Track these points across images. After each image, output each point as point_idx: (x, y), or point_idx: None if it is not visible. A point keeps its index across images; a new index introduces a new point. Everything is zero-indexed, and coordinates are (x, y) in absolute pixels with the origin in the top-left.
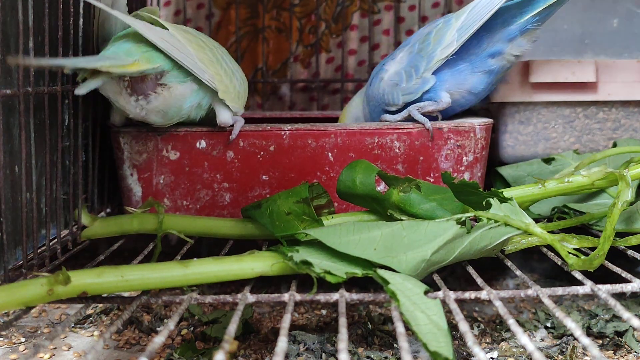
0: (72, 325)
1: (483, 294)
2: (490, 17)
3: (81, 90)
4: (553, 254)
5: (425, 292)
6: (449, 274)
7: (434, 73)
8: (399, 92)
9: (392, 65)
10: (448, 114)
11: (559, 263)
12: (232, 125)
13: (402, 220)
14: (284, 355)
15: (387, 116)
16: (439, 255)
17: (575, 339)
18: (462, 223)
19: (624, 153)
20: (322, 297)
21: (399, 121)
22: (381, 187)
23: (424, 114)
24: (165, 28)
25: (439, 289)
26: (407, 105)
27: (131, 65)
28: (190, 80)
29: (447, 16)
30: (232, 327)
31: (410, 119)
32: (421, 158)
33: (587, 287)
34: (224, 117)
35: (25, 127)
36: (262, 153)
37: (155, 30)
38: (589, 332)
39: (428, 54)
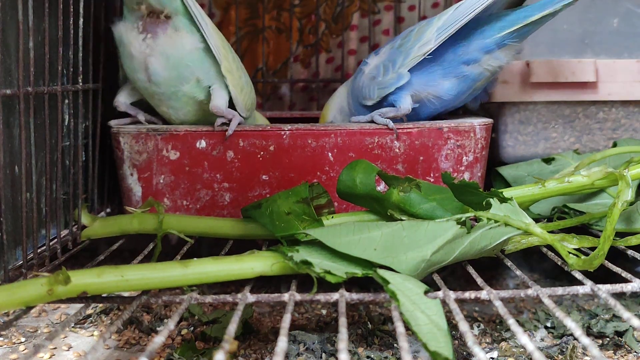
0: (72, 325)
1: (483, 294)
2: (469, 26)
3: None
4: (553, 254)
5: (425, 292)
6: (449, 274)
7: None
8: (375, 86)
9: (374, 60)
10: (420, 118)
11: (559, 263)
12: (228, 122)
13: (402, 220)
14: (284, 355)
15: (355, 117)
16: (439, 256)
17: (575, 339)
18: (462, 223)
19: (624, 153)
20: (322, 297)
21: (363, 122)
22: (381, 187)
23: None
24: None
25: (439, 289)
26: (382, 100)
27: None
28: (198, 38)
29: (434, 16)
30: (232, 327)
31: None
32: (421, 158)
33: (587, 287)
34: (218, 100)
35: (25, 127)
36: (262, 153)
37: None
38: (589, 332)
39: (407, 49)
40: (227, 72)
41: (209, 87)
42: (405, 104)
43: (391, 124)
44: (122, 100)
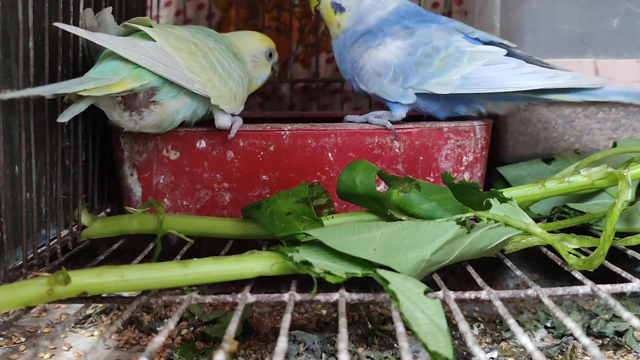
0: (72, 325)
1: (483, 294)
2: None
3: (64, 117)
4: (553, 254)
5: (425, 292)
6: (449, 274)
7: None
8: (376, 83)
9: (386, 49)
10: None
11: (559, 263)
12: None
13: (402, 220)
14: (284, 355)
15: (350, 117)
16: (439, 256)
17: (575, 339)
18: (462, 223)
19: (624, 153)
20: (322, 297)
21: (358, 122)
22: (381, 187)
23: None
24: (153, 40)
25: (439, 289)
26: (375, 95)
27: (117, 84)
28: (183, 93)
29: (462, 41)
30: (232, 327)
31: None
32: (421, 158)
33: (587, 287)
34: (222, 120)
35: (25, 127)
36: (262, 153)
37: (139, 47)
38: (589, 332)
39: (424, 75)
40: (217, 99)
41: (207, 109)
42: (401, 114)
43: (389, 125)
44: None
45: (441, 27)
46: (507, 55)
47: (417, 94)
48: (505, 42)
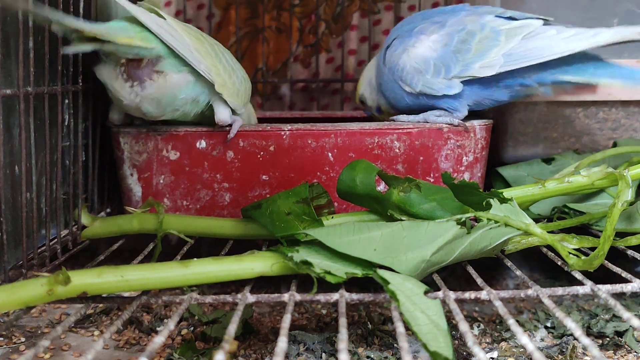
0: (72, 325)
1: (483, 294)
2: None
3: (69, 49)
4: (553, 254)
5: (425, 292)
6: (449, 274)
7: (465, 83)
8: (419, 80)
9: (422, 45)
10: None
11: (559, 263)
12: (230, 125)
13: (402, 220)
14: (284, 355)
15: (402, 117)
16: (439, 256)
17: (575, 339)
18: (462, 223)
19: (624, 153)
20: (322, 297)
21: (414, 122)
22: (381, 187)
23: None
24: (164, 18)
25: (439, 289)
26: (421, 96)
27: (125, 38)
28: (187, 71)
29: (496, 20)
30: (232, 327)
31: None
32: (421, 158)
33: (587, 287)
34: (222, 114)
35: (25, 127)
36: (262, 153)
37: (152, 16)
38: (589, 332)
39: (465, 61)
40: (221, 87)
41: (208, 101)
42: (463, 113)
43: (456, 121)
44: (116, 117)
45: (471, 12)
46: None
47: (463, 83)
48: (541, 17)
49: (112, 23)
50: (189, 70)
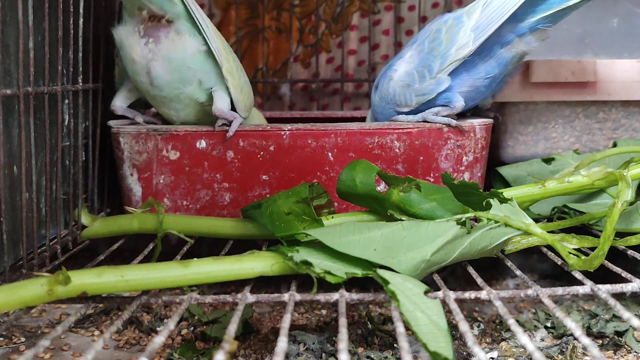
0: (72, 325)
1: (483, 294)
2: None
3: None
4: (553, 254)
5: (425, 292)
6: (449, 274)
7: (451, 73)
8: (412, 93)
9: (402, 65)
10: (467, 108)
11: (559, 263)
12: (229, 123)
13: (402, 220)
14: (284, 355)
15: (401, 117)
16: (438, 256)
17: (575, 339)
18: (462, 223)
19: (624, 153)
20: (322, 297)
21: (414, 122)
22: (381, 187)
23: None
24: None
25: (439, 289)
26: (421, 106)
27: None
28: (201, 41)
29: (455, 12)
30: (232, 327)
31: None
32: (421, 158)
33: (587, 287)
34: (220, 103)
35: (25, 127)
36: (262, 153)
37: None
38: (589, 332)
39: (441, 53)
40: (228, 73)
41: (210, 89)
42: (459, 102)
43: (454, 122)
44: (119, 104)
45: (435, 20)
46: None
47: (449, 75)
48: None
49: None
50: (202, 41)
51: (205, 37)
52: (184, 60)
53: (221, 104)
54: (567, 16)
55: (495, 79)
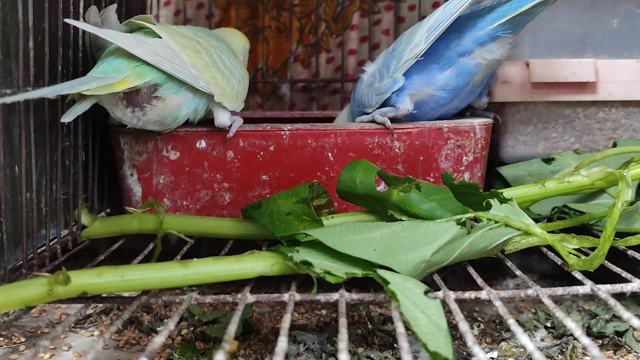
0: (72, 325)
1: (483, 294)
2: (461, 20)
3: (67, 117)
4: (553, 254)
5: (425, 292)
6: (449, 274)
7: (405, 75)
8: (372, 93)
9: (371, 67)
10: (428, 117)
11: (559, 263)
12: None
13: (402, 220)
14: (284, 355)
15: (359, 118)
16: (439, 256)
17: (575, 339)
18: (462, 224)
19: (624, 153)
20: (322, 297)
21: (366, 122)
22: (381, 187)
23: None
24: (158, 36)
25: (439, 289)
26: (382, 105)
27: (120, 83)
28: (185, 89)
29: (421, 21)
30: (232, 327)
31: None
32: (421, 158)
33: (587, 287)
34: (221, 119)
35: (25, 127)
36: (262, 153)
37: (146, 43)
38: (589, 332)
39: (399, 53)
40: (220, 97)
41: (207, 107)
42: (404, 104)
43: (388, 123)
44: (117, 122)
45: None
46: None
47: (407, 73)
48: None
49: (105, 65)
50: (187, 88)
51: (191, 84)
52: (176, 115)
53: (222, 119)
54: (526, 24)
55: (459, 90)
